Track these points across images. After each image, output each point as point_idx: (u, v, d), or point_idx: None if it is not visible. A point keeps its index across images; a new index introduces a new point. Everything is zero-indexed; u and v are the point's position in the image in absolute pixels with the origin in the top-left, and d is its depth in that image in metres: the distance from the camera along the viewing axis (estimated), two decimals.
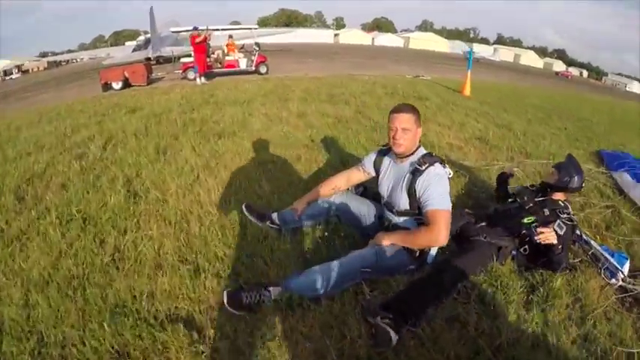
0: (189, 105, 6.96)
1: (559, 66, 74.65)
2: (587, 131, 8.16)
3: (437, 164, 2.12)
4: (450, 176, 2.20)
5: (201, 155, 4.15)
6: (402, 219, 2.30)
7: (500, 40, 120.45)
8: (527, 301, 2.41)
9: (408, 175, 2.17)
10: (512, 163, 4.79)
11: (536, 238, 2.51)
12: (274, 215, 2.64)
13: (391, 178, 2.30)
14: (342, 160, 4.10)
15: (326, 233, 2.57)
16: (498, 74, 24.79)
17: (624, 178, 4.82)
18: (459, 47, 62.87)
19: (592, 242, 3.08)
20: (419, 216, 2.22)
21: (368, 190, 2.70)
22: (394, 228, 2.32)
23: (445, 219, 2.01)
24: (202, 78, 11.57)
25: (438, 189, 2.05)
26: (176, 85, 10.91)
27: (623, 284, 2.80)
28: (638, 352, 2.14)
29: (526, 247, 2.62)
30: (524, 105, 10.62)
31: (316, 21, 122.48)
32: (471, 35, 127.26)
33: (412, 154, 2.20)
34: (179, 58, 16.01)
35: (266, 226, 2.61)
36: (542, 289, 2.53)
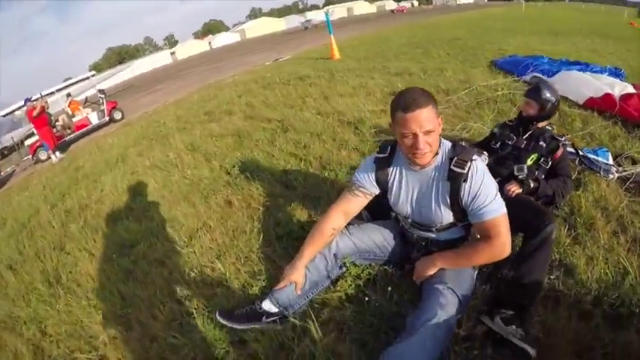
0: (56, 193, 5.44)
1: (390, 5, 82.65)
2: (466, 49, 8.88)
3: (476, 157, 1.68)
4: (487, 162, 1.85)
5: (108, 260, 3.10)
6: (444, 233, 1.86)
7: (329, 1, 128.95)
8: (576, 237, 2.38)
9: (441, 183, 1.71)
10: (443, 105, 4.78)
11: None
12: (265, 304, 1.93)
13: (412, 191, 1.80)
14: (285, 182, 3.51)
15: (352, 291, 2.00)
16: (345, 30, 26.00)
17: (538, 76, 5.23)
18: (295, 21, 65.98)
19: (579, 151, 3.19)
20: (465, 222, 1.79)
21: (369, 214, 2.19)
22: (436, 244, 1.89)
23: (506, 225, 1.64)
24: (57, 153, 9.85)
25: (489, 191, 1.64)
26: (32, 174, 8.94)
27: (619, 175, 3.05)
28: None
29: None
30: (395, 47, 11.16)
31: (148, 47, 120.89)
32: (300, 6, 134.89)
33: (436, 154, 1.70)
34: (22, 142, 13.53)
35: (266, 325, 1.90)
36: (577, 219, 2.53)
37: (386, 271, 2.07)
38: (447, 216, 1.74)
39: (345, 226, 1.98)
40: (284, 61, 14.17)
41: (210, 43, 73.57)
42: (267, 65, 14.28)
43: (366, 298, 1.92)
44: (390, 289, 1.91)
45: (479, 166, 1.65)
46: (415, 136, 1.55)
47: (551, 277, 2.02)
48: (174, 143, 5.78)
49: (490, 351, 1.65)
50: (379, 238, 2.01)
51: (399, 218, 2.02)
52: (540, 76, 5.29)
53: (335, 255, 1.94)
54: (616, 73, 5.42)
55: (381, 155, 1.83)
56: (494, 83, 5.41)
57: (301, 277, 1.84)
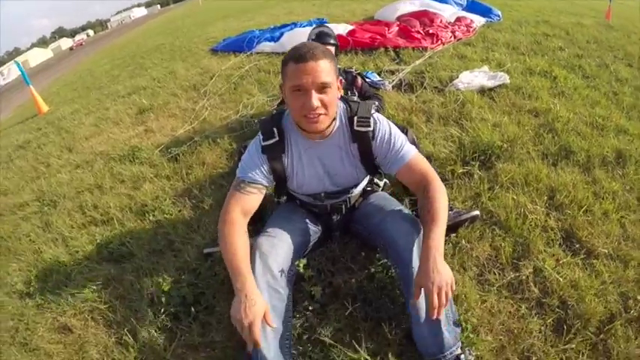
0: None
1: (66, 43, 74.83)
2: (177, 49, 8.57)
3: (374, 110, 1.54)
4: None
5: None
6: (358, 187, 1.73)
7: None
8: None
9: (349, 146, 1.54)
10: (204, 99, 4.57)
11: None
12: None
13: (319, 166, 1.58)
14: (110, 257, 2.25)
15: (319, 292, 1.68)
16: (34, 83, 21.72)
17: (266, 45, 5.79)
18: None
19: (363, 77, 3.59)
20: (377, 173, 1.74)
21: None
22: (351, 200, 1.75)
23: (424, 160, 1.54)
24: None
25: (399, 135, 1.52)
26: None
27: (390, 84, 3.83)
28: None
29: None
30: (103, 74, 9.65)
31: None
32: None
33: (334, 119, 1.49)
34: None
35: None
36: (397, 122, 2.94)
37: (324, 253, 1.87)
38: (362, 174, 1.65)
39: (264, 235, 1.55)
40: None
41: None
42: None
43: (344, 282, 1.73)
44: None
45: (380, 118, 1.55)
46: (307, 91, 1.31)
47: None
48: None
49: (454, 236, 1.88)
50: (298, 226, 1.69)
51: (298, 198, 1.76)
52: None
53: (282, 271, 1.47)
54: (320, 22, 6.46)
55: (269, 142, 1.50)
56: (232, 63, 5.55)
57: (264, 302, 1.27)
